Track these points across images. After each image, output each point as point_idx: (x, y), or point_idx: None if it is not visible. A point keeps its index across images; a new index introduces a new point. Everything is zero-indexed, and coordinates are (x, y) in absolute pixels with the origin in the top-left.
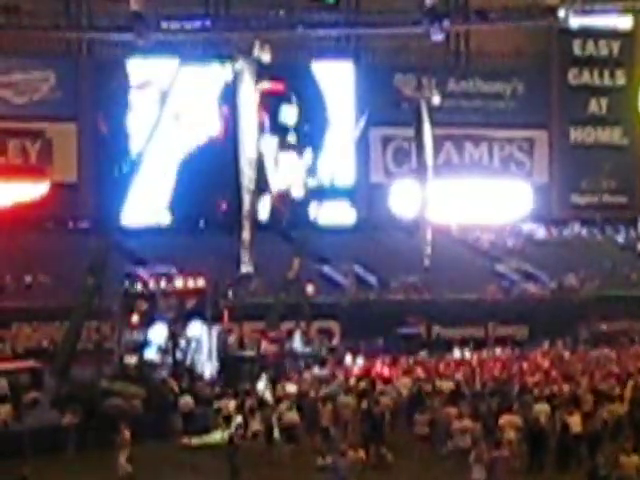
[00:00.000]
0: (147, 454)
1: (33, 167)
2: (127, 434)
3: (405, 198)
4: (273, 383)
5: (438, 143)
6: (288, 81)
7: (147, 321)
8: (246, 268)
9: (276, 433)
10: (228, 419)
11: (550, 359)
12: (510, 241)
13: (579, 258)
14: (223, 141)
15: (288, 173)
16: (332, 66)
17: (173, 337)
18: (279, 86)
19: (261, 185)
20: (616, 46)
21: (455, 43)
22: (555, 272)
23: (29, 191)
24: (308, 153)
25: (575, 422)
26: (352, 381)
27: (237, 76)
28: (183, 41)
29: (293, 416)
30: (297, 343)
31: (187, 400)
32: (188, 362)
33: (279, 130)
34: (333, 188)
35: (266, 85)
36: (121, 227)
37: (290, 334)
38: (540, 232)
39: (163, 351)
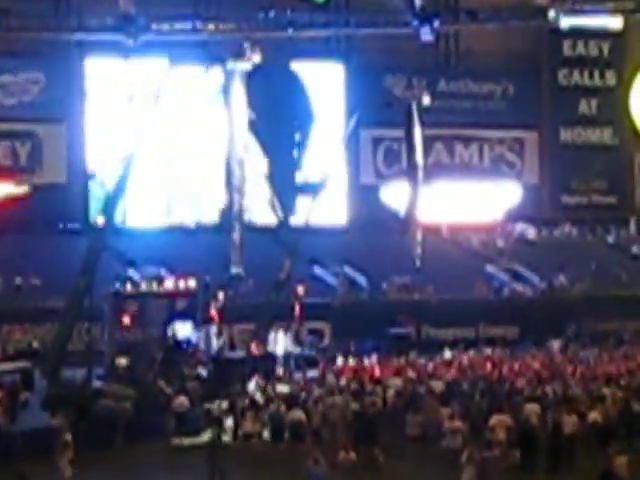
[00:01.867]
0: (138, 455)
1: (16, 168)
2: (68, 437)
3: (396, 199)
4: (264, 384)
5: (428, 144)
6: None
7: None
8: (236, 269)
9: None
10: (218, 420)
11: (540, 359)
12: (500, 241)
13: (569, 258)
14: (214, 142)
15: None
16: (322, 67)
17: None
18: None
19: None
20: (606, 46)
21: (445, 43)
22: (545, 272)
23: (8, 190)
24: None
25: (567, 422)
26: (343, 382)
27: (228, 77)
28: (173, 42)
29: (299, 414)
30: (288, 344)
31: (181, 400)
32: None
33: None
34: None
35: None
36: (115, 228)
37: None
38: (530, 232)
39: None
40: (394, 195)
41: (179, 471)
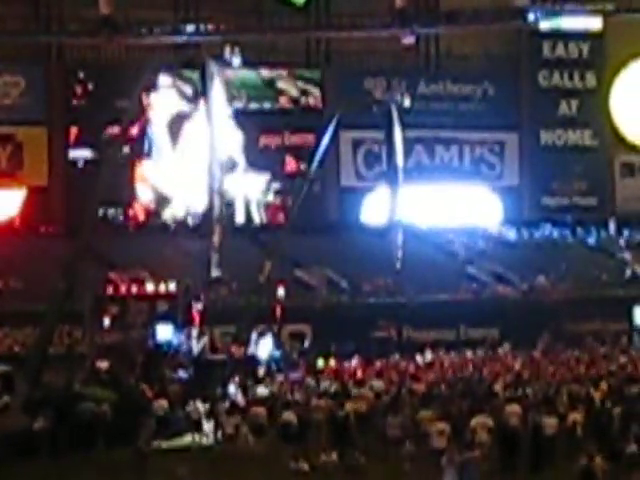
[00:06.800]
0: (118, 458)
1: (8, 174)
2: None
3: (376, 201)
4: (245, 387)
5: (409, 146)
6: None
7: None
8: (216, 272)
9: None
10: (199, 423)
11: (521, 360)
12: (481, 243)
13: (550, 260)
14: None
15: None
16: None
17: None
18: None
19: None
20: (586, 48)
21: (425, 45)
22: (526, 274)
23: (11, 199)
24: None
25: (547, 423)
26: (324, 384)
27: (207, 80)
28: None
29: (290, 415)
30: (269, 346)
31: (161, 404)
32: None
33: None
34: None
35: None
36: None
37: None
38: (511, 234)
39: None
40: (374, 197)
41: (159, 474)
